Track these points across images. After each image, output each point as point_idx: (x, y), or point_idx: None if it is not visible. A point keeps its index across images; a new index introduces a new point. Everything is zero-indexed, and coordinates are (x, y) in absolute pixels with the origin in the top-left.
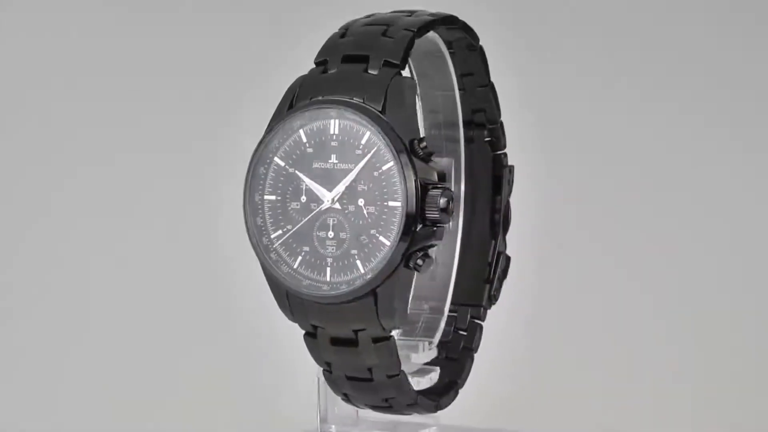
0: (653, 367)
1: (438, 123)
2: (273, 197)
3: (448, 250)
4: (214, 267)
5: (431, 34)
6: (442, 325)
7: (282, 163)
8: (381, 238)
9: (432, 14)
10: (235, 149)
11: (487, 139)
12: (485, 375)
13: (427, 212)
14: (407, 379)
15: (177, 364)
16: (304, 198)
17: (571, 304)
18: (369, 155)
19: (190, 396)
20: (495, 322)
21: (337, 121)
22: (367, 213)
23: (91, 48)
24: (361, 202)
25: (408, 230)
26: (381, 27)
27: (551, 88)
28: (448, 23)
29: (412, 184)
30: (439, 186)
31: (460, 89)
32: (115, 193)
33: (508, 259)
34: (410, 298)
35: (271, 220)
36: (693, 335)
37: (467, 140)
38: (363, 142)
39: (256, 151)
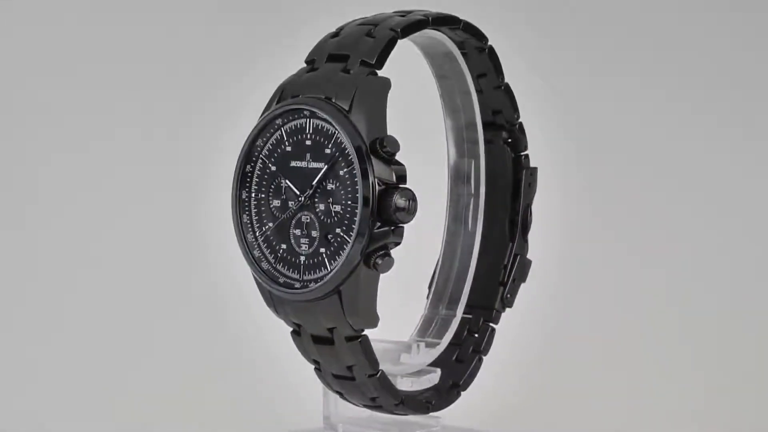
0: (667, 374)
1: (460, 125)
2: (258, 195)
3: (467, 253)
4: (211, 264)
5: (439, 35)
6: (454, 327)
7: (266, 162)
8: (345, 237)
9: (426, 14)
10: (226, 146)
11: (506, 140)
12: (494, 377)
13: (383, 212)
14: (387, 379)
15: (177, 364)
16: (284, 196)
17: (588, 308)
18: (337, 154)
19: (190, 396)
20: (508, 324)
21: (311, 120)
22: (334, 212)
23: (77, 36)
24: (329, 201)
25: (364, 229)
26: (368, 27)
27: (578, 90)
28: (443, 23)
29: (369, 184)
30: (398, 186)
31: (477, 90)
32: (111, 193)
33: (526, 262)
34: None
35: (256, 218)
36: (714, 344)
37: (487, 142)
38: (332, 141)
39: (242, 149)
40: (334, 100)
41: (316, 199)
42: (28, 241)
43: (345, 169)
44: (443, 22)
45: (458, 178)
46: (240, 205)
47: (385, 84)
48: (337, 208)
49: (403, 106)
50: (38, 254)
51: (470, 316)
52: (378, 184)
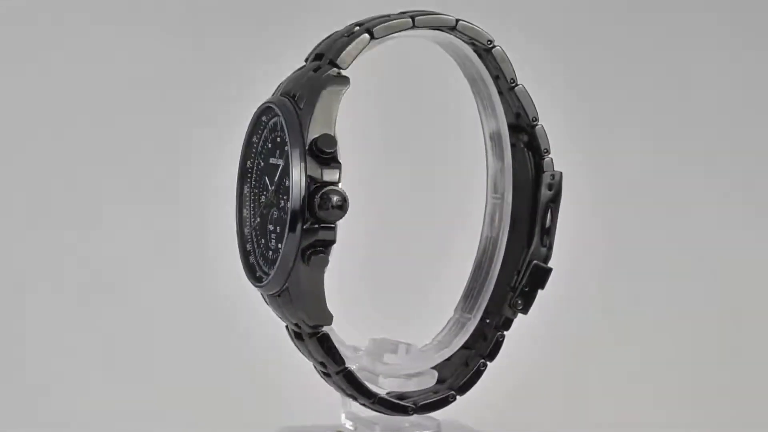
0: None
1: (492, 128)
2: (254, 190)
3: (489, 258)
4: (210, 261)
5: (449, 37)
6: (468, 331)
7: (260, 158)
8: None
9: (413, 15)
10: (226, 145)
11: (526, 143)
12: (496, 379)
13: (312, 210)
14: (354, 376)
15: (176, 364)
16: (267, 192)
17: (588, 308)
18: (289, 152)
19: (190, 396)
20: (518, 328)
21: (279, 118)
22: (288, 208)
23: (77, 36)
24: (284, 197)
25: (294, 227)
26: (356, 27)
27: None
28: (435, 25)
29: (298, 181)
30: (329, 184)
31: (498, 92)
32: (110, 193)
33: (543, 270)
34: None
35: (253, 212)
36: (718, 347)
37: (511, 145)
38: (287, 139)
39: (243, 146)
40: (295, 99)
41: (280, 196)
42: (29, 241)
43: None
44: (434, 23)
45: (492, 182)
46: (241, 200)
47: (339, 83)
48: (290, 204)
49: (452, 108)
50: (38, 254)
51: (487, 321)
52: (311, 182)
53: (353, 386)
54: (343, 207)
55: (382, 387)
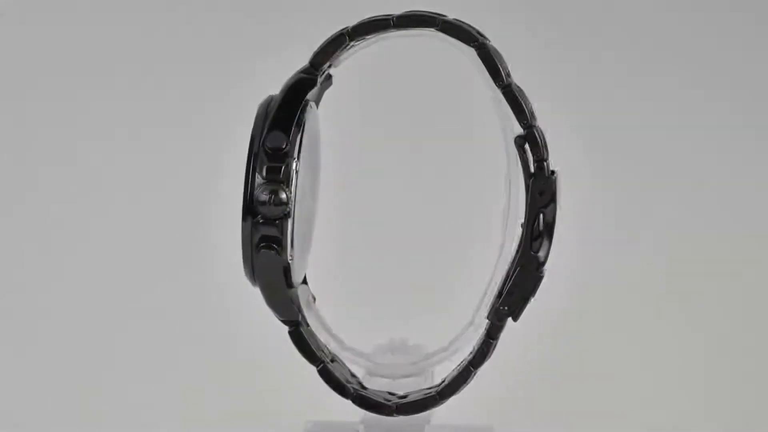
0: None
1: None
2: None
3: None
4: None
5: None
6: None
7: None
8: None
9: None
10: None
11: (521, 145)
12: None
13: (251, 205)
14: (329, 373)
15: (175, 363)
16: None
17: (589, 309)
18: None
19: (190, 394)
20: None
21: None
22: None
23: (77, 36)
24: None
25: (245, 218)
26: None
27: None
28: (416, 24)
29: (249, 177)
30: (272, 182)
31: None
32: (110, 193)
33: (531, 276)
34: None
35: None
36: (720, 348)
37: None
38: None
39: None
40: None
41: None
42: (28, 239)
43: None
44: (416, 22)
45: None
46: None
47: (303, 83)
48: None
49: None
50: (36, 254)
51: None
52: (255, 178)
53: (331, 383)
54: (280, 204)
55: (367, 385)
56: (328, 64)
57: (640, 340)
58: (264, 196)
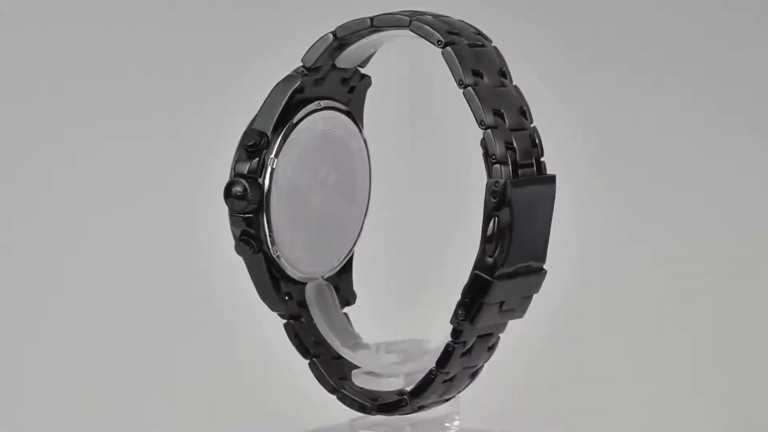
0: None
1: None
2: None
3: None
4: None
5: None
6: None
7: None
8: None
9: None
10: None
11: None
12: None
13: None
14: (317, 369)
15: (176, 362)
16: None
17: (589, 310)
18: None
19: (190, 394)
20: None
21: None
22: None
23: (76, 36)
24: None
25: (231, 213)
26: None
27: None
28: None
29: (230, 173)
30: (240, 176)
31: None
32: (109, 193)
33: (483, 280)
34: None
35: None
36: (720, 349)
37: None
38: None
39: None
40: None
41: None
42: (28, 239)
43: None
44: (388, 23)
45: None
46: None
47: (288, 82)
48: None
49: None
50: (36, 254)
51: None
52: (233, 174)
53: (318, 378)
54: (241, 198)
55: (356, 382)
56: (330, 63)
57: (640, 340)
58: (233, 190)
